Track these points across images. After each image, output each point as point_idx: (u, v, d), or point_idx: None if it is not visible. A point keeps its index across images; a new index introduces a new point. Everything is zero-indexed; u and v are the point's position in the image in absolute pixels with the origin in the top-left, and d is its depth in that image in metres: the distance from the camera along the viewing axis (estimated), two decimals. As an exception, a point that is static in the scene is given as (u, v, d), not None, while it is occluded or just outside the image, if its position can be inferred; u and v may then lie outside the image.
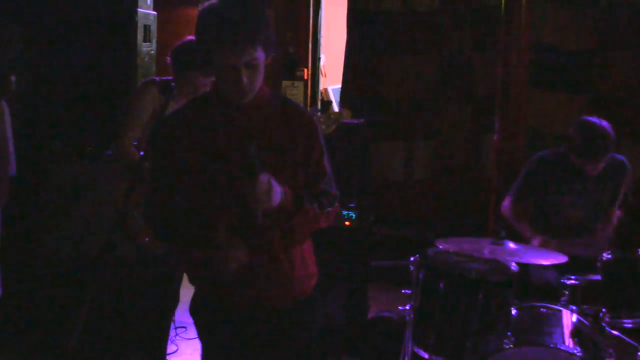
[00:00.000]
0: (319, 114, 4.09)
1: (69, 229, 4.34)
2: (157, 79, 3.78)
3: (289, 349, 2.65)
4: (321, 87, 6.93)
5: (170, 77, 3.81)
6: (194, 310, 2.74)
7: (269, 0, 6.28)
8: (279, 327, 2.63)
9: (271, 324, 2.62)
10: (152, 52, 4.68)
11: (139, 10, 4.44)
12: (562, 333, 3.38)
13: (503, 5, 5.38)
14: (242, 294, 2.57)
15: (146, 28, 4.55)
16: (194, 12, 7.32)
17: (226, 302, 2.61)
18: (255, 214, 2.34)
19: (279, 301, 2.61)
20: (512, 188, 4.41)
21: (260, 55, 2.39)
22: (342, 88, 6.38)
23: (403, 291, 3.74)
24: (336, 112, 4.14)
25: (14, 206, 4.42)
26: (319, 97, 6.74)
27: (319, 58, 6.71)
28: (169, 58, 3.81)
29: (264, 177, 2.33)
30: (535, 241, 4.14)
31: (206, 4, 2.42)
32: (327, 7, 6.77)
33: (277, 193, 2.37)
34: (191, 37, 3.79)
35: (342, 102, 6.35)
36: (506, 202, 4.39)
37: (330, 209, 2.55)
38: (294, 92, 6.46)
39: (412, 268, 3.62)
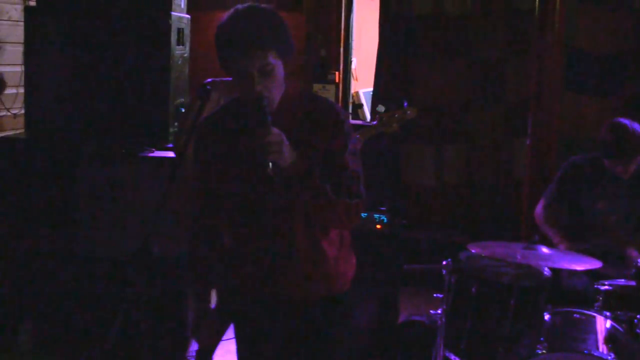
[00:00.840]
0: (382, 110, 4.05)
1: (105, 229, 4.38)
2: (218, 80, 3.82)
3: (320, 345, 2.65)
4: (352, 90, 6.93)
5: (230, 78, 3.84)
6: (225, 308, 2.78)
7: (298, 4, 6.30)
8: (311, 322, 2.63)
9: (301, 319, 2.63)
10: (186, 55, 4.70)
11: (173, 14, 4.47)
12: (596, 339, 3.35)
13: (537, 9, 5.35)
14: (264, 289, 2.60)
15: (180, 31, 4.57)
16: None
17: (252, 298, 2.64)
18: (266, 164, 2.33)
19: (307, 295, 2.61)
20: (546, 192, 4.39)
21: (274, 60, 2.41)
22: (374, 91, 6.38)
23: (435, 295, 3.73)
24: (401, 111, 4.10)
25: (50, 206, 4.48)
26: (350, 100, 6.74)
27: (351, 61, 6.71)
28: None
29: (275, 130, 2.35)
30: (562, 247, 4.11)
31: (224, 15, 2.47)
32: (358, 10, 6.77)
33: (288, 150, 2.37)
34: None
35: (374, 106, 6.34)
36: (539, 207, 4.37)
37: (348, 199, 2.48)
38: (325, 95, 6.47)
39: (444, 272, 3.61)
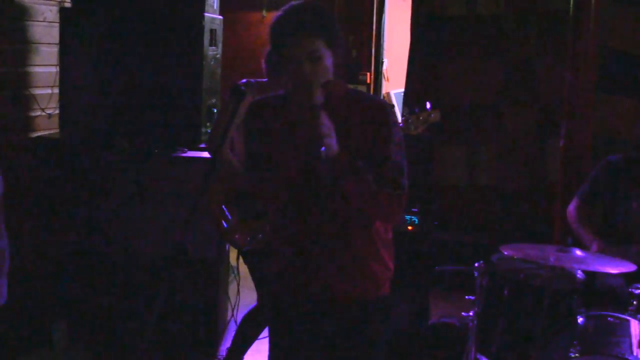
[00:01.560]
0: (406, 114, 4.07)
1: (138, 230, 4.41)
2: (253, 81, 3.87)
3: (355, 347, 2.66)
4: (384, 91, 6.92)
5: (264, 79, 3.91)
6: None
7: (330, 5, 6.31)
8: (347, 324, 2.65)
9: (339, 320, 2.65)
10: (218, 55, 4.72)
11: (206, 14, 4.49)
12: (630, 343, 3.31)
13: (571, 9, 5.30)
14: (308, 286, 2.63)
15: (212, 32, 4.59)
16: (257, 16, 7.43)
17: (294, 295, 2.68)
18: (318, 149, 2.38)
19: (348, 295, 2.64)
20: (578, 192, 4.35)
21: (323, 49, 2.48)
22: (405, 92, 6.37)
23: (467, 297, 3.72)
24: (425, 113, 4.10)
25: (83, 206, 4.52)
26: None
27: (382, 62, 6.71)
28: (263, 63, 3.90)
29: (325, 118, 2.43)
30: (594, 246, 4.07)
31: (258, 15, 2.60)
32: (390, 11, 6.77)
33: (335, 140, 2.43)
34: None
35: (405, 107, 6.33)
36: (572, 206, 4.33)
37: (390, 190, 2.52)
38: (357, 96, 6.47)
39: (475, 274, 3.59)
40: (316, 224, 2.59)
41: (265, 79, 3.92)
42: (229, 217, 3.87)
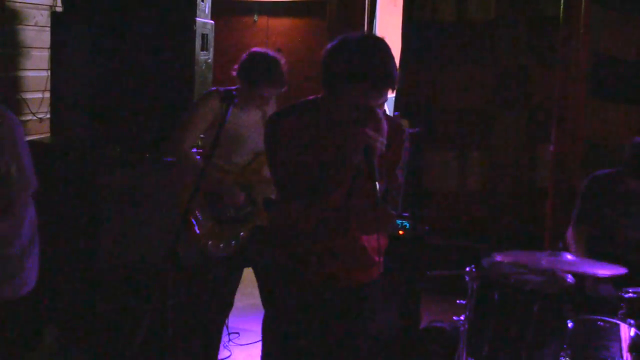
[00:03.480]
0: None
1: (129, 234, 4.40)
2: (221, 89, 3.86)
3: (351, 327, 2.83)
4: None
5: (233, 87, 3.88)
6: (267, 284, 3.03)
7: (321, 10, 6.32)
8: (342, 306, 2.82)
9: (336, 301, 2.81)
10: (209, 60, 4.73)
11: (198, 19, 4.49)
12: (620, 347, 3.33)
13: (562, 15, 5.33)
14: (320, 271, 2.77)
15: (204, 37, 4.59)
16: (249, 21, 7.43)
17: (303, 276, 2.79)
18: (359, 155, 2.52)
19: (349, 281, 2.81)
20: (572, 213, 4.30)
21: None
22: (396, 97, 6.38)
23: (458, 302, 3.73)
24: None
25: (74, 210, 4.51)
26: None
27: (373, 67, 6.71)
28: (234, 71, 3.90)
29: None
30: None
31: (338, 43, 2.59)
32: (381, 16, 6.78)
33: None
34: (256, 49, 3.90)
35: (396, 112, 6.34)
36: (569, 230, 4.26)
37: (388, 209, 2.67)
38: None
39: (467, 278, 3.60)
40: (326, 219, 2.71)
41: (234, 87, 3.89)
42: (202, 222, 3.85)
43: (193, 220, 3.84)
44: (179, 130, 3.91)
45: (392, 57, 2.54)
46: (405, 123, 4.29)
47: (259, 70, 3.79)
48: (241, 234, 3.91)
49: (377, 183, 2.47)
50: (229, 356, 4.58)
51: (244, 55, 3.89)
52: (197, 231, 3.84)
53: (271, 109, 3.98)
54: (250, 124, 3.93)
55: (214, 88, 4.00)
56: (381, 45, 2.55)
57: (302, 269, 2.79)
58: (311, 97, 2.77)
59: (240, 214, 3.91)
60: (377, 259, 2.84)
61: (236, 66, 3.90)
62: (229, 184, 3.87)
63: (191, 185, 3.47)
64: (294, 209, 2.72)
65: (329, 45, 2.61)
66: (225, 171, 3.89)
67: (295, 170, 2.68)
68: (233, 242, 3.90)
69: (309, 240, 2.76)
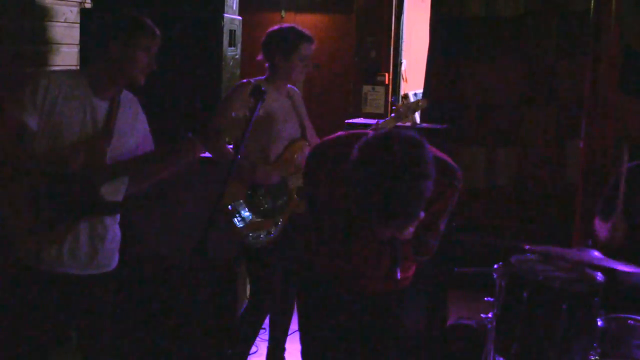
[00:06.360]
0: (396, 104, 4.20)
1: (157, 230, 4.42)
2: (253, 80, 3.90)
3: (383, 333, 2.88)
4: (402, 91, 6.91)
5: (263, 77, 3.93)
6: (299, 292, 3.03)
7: (349, 6, 6.31)
8: (374, 312, 2.86)
9: (366, 309, 2.86)
10: (237, 56, 4.73)
11: (225, 15, 4.50)
12: (651, 346, 3.29)
13: (592, 10, 5.27)
14: (355, 283, 2.80)
15: (231, 33, 4.60)
16: (276, 17, 7.44)
17: (337, 287, 2.83)
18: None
19: (377, 290, 2.84)
20: (597, 207, 4.24)
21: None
22: (424, 93, 6.35)
23: (485, 299, 3.70)
24: (414, 102, 4.24)
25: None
26: (400, 102, 6.73)
27: (401, 63, 6.70)
28: (261, 56, 3.98)
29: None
30: None
31: (366, 147, 2.29)
32: (409, 11, 6.75)
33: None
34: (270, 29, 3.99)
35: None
36: (596, 222, 4.20)
37: (422, 257, 2.74)
38: (375, 96, 6.47)
39: (494, 276, 3.57)
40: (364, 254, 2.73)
41: (265, 76, 3.98)
42: (243, 216, 3.90)
43: (231, 214, 3.88)
44: (212, 123, 3.96)
45: (421, 186, 2.24)
46: (424, 102, 4.31)
47: (288, 34, 3.91)
48: (279, 223, 3.94)
49: (397, 269, 2.52)
50: (255, 351, 4.59)
51: (264, 38, 3.99)
52: (237, 224, 3.88)
53: (298, 100, 4.10)
54: (282, 113, 3.97)
55: (245, 80, 4.02)
56: (413, 169, 2.24)
57: (334, 282, 2.83)
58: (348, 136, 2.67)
59: (277, 204, 3.96)
60: (408, 274, 2.88)
61: (260, 55, 3.99)
62: (261, 166, 3.90)
63: (227, 178, 3.49)
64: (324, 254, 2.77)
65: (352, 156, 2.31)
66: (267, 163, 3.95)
67: (330, 211, 2.69)
68: (272, 232, 3.94)
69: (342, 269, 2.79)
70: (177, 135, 2.99)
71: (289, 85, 4.09)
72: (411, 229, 2.44)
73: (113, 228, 3.16)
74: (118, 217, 3.20)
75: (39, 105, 2.87)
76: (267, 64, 4.01)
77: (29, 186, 2.85)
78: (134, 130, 3.15)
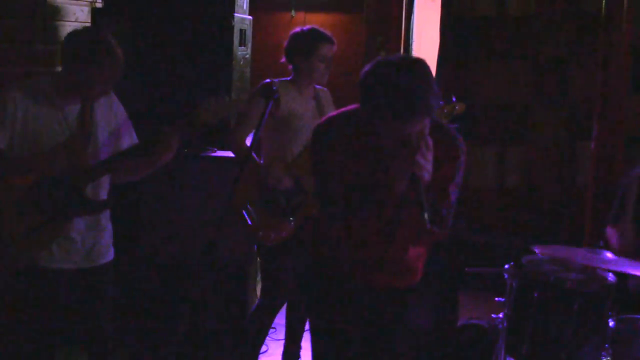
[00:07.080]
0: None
1: (167, 230, 4.43)
2: (276, 80, 3.90)
3: (389, 331, 2.88)
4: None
5: (288, 78, 3.95)
6: (306, 284, 3.03)
7: (359, 5, 6.30)
8: (382, 308, 2.86)
9: (375, 305, 2.85)
10: (247, 56, 4.74)
11: (236, 15, 4.51)
12: (663, 347, 3.28)
13: (603, 10, 5.26)
14: (362, 277, 2.80)
15: (242, 32, 4.61)
16: (286, 16, 7.43)
17: (345, 282, 2.82)
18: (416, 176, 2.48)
19: (386, 284, 2.84)
20: (609, 215, 4.20)
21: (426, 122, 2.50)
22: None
23: (496, 299, 3.70)
24: (450, 105, 4.17)
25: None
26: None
27: (411, 62, 6.68)
28: (285, 58, 4.02)
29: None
30: None
31: (372, 67, 2.50)
32: (419, 11, 6.74)
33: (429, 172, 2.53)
34: (293, 31, 4.01)
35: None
36: (608, 232, 4.17)
37: (437, 229, 2.64)
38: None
39: (505, 276, 3.57)
40: (373, 227, 2.71)
41: (290, 77, 3.98)
42: (253, 214, 3.90)
43: (244, 212, 3.89)
44: (235, 123, 4.00)
45: (423, 83, 2.43)
46: (461, 106, 4.26)
47: (310, 36, 3.94)
48: (291, 223, 3.94)
49: (425, 213, 2.44)
50: (265, 351, 4.59)
51: (287, 41, 4.01)
52: (250, 223, 3.89)
53: (325, 100, 4.10)
54: (303, 113, 3.98)
55: (268, 80, 4.03)
56: (415, 70, 2.45)
57: (345, 276, 2.81)
58: (354, 108, 2.72)
59: (291, 204, 3.95)
60: (418, 265, 2.87)
61: (283, 58, 4.02)
62: (275, 168, 3.90)
63: (239, 177, 3.50)
64: (336, 227, 2.74)
65: (364, 68, 2.53)
66: (285, 162, 3.95)
67: (339, 184, 2.67)
68: (285, 232, 3.94)
69: (352, 250, 2.77)
70: (155, 130, 3.02)
71: (317, 87, 4.09)
72: (428, 168, 2.46)
73: (104, 223, 3.25)
74: (108, 212, 3.28)
75: (8, 122, 2.96)
76: (289, 66, 4.03)
77: (13, 194, 2.92)
78: (111, 121, 3.23)
